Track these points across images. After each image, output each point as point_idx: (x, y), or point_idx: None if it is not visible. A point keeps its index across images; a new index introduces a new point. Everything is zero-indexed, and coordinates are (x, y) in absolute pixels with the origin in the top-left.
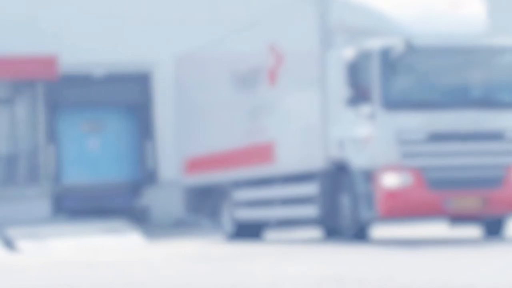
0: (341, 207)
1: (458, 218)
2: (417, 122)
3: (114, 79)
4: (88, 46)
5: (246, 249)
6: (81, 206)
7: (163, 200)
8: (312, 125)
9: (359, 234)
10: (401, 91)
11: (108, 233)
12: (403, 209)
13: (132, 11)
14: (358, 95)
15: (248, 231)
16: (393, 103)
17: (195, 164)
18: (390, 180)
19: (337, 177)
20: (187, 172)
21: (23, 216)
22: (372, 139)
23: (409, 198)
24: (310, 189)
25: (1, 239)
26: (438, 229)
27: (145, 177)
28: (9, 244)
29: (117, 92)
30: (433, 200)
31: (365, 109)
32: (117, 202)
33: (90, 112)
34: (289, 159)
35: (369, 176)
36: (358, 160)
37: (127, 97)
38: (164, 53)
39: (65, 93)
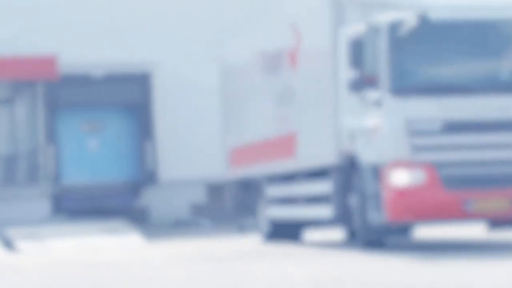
0: (351, 209)
1: (498, 221)
2: (431, 109)
3: (114, 79)
4: (88, 46)
5: (246, 249)
6: (81, 206)
7: (163, 200)
8: (326, 114)
9: (372, 242)
10: (413, 73)
11: (108, 233)
12: (415, 211)
13: (132, 11)
14: (363, 78)
15: (285, 232)
16: (403, 88)
17: (236, 157)
18: (399, 178)
19: (349, 174)
20: (231, 166)
21: (23, 216)
22: (379, 130)
23: (421, 198)
24: (325, 187)
25: (1, 239)
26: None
27: (145, 177)
28: (9, 244)
29: (117, 92)
30: (450, 201)
31: (371, 94)
32: (117, 202)
33: (90, 112)
34: (307, 152)
35: (377, 173)
36: (366, 154)
37: (127, 97)
38: (164, 53)
39: (65, 93)
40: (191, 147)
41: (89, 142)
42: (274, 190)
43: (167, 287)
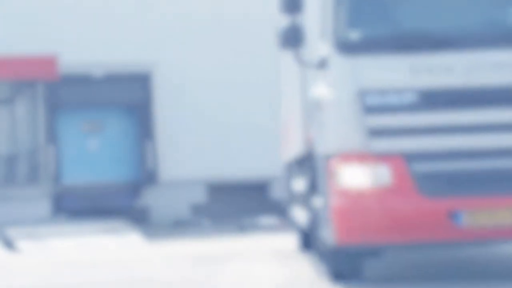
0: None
1: (501, 240)
2: (399, 73)
3: (114, 79)
4: (88, 46)
5: (246, 248)
6: (81, 206)
7: (163, 200)
8: (295, 90)
9: (339, 272)
10: (372, 19)
11: (108, 233)
12: (374, 230)
13: (132, 11)
14: (299, 28)
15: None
16: (356, 41)
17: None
18: (349, 179)
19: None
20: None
21: (23, 216)
22: (324, 106)
23: (384, 210)
24: (301, 186)
25: (1, 239)
26: None
27: (145, 177)
28: (9, 244)
29: (117, 92)
30: (430, 212)
31: (310, 53)
32: (117, 202)
33: (90, 112)
34: (290, 139)
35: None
36: (318, 142)
37: (127, 97)
38: (164, 53)
39: (65, 93)
40: (191, 147)
41: (89, 142)
42: (294, 183)
43: (167, 287)
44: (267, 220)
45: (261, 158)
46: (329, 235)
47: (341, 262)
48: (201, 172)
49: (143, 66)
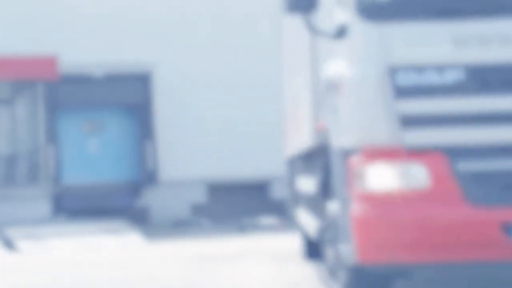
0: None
1: None
2: (436, 46)
3: (114, 79)
4: (88, 46)
5: (246, 248)
6: (81, 206)
7: (163, 200)
8: (305, 66)
9: None
10: None
11: (108, 233)
12: (405, 246)
13: (132, 11)
14: None
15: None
16: (383, 6)
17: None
18: (375, 180)
19: (327, 165)
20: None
21: (23, 216)
22: (342, 87)
23: (418, 220)
24: (310, 184)
25: (1, 239)
26: None
27: (145, 177)
28: (9, 244)
29: (117, 92)
30: (478, 223)
31: (325, 20)
32: (117, 202)
33: (90, 112)
34: (299, 128)
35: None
36: (334, 133)
37: (127, 97)
38: (164, 53)
39: (65, 93)
40: (191, 147)
41: (89, 142)
42: (299, 182)
43: (167, 287)
44: (267, 220)
45: (261, 158)
46: (348, 250)
47: (362, 284)
48: (201, 172)
49: (143, 66)
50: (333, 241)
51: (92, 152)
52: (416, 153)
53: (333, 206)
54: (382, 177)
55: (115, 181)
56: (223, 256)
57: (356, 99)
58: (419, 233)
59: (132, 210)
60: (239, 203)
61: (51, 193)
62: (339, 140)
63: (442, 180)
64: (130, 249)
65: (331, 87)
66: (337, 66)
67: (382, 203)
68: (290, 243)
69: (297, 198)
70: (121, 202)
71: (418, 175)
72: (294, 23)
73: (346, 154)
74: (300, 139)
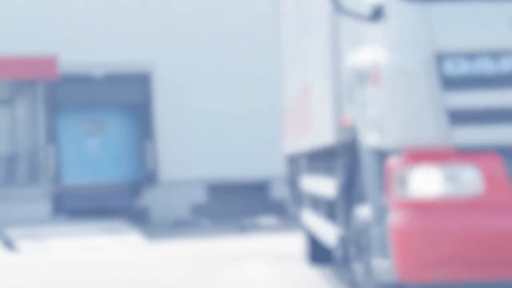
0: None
1: None
2: (491, 29)
3: (114, 79)
4: (88, 46)
5: (246, 249)
6: (81, 206)
7: (163, 200)
8: (323, 51)
9: None
10: None
11: (108, 233)
12: (455, 262)
13: (132, 11)
14: None
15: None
16: None
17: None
18: (419, 185)
19: (354, 164)
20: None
21: (23, 216)
22: (378, 76)
23: (470, 231)
24: (329, 186)
25: (1, 239)
26: None
27: (145, 177)
28: (9, 244)
29: (117, 92)
30: None
31: (358, 1)
32: (117, 202)
33: (90, 112)
34: (315, 124)
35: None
36: (366, 129)
37: (127, 97)
38: (164, 53)
39: (65, 93)
40: (191, 147)
41: (89, 142)
42: (306, 182)
43: (167, 287)
44: (267, 220)
45: (261, 158)
46: (385, 266)
47: None
48: (201, 172)
49: (143, 66)
50: (362, 254)
51: (92, 152)
52: (467, 154)
53: (363, 214)
54: (427, 182)
55: (115, 181)
56: (222, 256)
57: (396, 92)
58: (471, 246)
59: (132, 210)
60: (239, 203)
61: (51, 193)
62: (372, 138)
63: (497, 185)
64: (130, 249)
65: (361, 77)
66: (369, 54)
67: (427, 212)
68: (290, 243)
69: (301, 198)
70: (121, 202)
71: (470, 180)
72: (298, 12)
73: (382, 154)
74: (311, 136)
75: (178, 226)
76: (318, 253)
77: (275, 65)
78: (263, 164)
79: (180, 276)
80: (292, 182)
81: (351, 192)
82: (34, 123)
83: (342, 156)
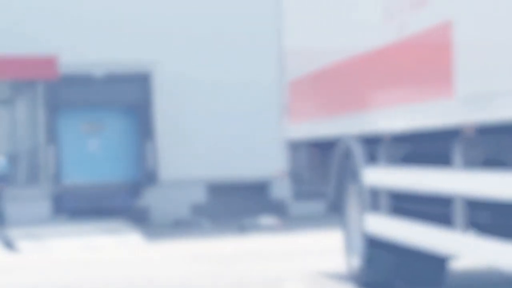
0: None
1: None
2: None
3: (114, 79)
4: (88, 46)
5: (246, 249)
6: (81, 206)
7: (163, 200)
8: None
9: None
10: None
11: (108, 233)
12: None
13: (132, 11)
14: None
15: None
16: None
17: (301, 100)
18: None
19: None
20: (291, 119)
21: (23, 216)
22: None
23: None
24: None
25: (1, 239)
26: None
27: (145, 177)
28: (9, 244)
29: (117, 92)
30: None
31: None
32: (117, 202)
33: (90, 113)
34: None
35: None
36: None
37: (127, 97)
38: (164, 53)
39: (65, 93)
40: (191, 147)
41: (89, 142)
42: (385, 176)
43: (167, 287)
44: (267, 220)
45: (261, 158)
46: None
47: None
48: (201, 172)
49: (143, 66)
50: None
51: (92, 152)
52: None
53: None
54: None
55: (115, 181)
56: (223, 256)
57: None
58: None
59: (132, 210)
60: (239, 203)
61: (51, 193)
62: None
63: None
64: (130, 249)
65: None
66: None
67: None
68: (290, 243)
69: (364, 199)
70: (121, 202)
71: None
72: None
73: None
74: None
75: (178, 226)
76: (411, 274)
77: (276, 64)
78: (263, 164)
79: (180, 276)
80: (338, 176)
81: None
82: (34, 123)
83: None
